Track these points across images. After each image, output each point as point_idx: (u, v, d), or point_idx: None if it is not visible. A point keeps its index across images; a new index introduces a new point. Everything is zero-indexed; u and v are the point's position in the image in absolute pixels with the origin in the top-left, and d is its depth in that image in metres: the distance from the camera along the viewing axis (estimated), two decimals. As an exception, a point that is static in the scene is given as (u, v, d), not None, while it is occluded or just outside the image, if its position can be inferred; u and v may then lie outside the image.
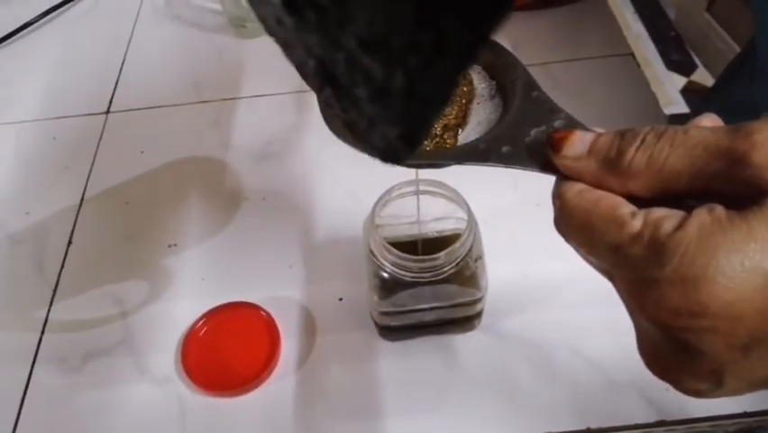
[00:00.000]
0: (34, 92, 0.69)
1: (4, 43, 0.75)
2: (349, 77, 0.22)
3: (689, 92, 0.66)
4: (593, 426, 0.42)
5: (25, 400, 0.46)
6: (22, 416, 0.46)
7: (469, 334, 0.47)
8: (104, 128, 0.64)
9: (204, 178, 0.59)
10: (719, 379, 0.21)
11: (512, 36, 0.61)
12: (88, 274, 0.53)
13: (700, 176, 0.21)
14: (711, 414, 0.41)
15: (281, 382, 0.46)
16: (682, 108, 0.62)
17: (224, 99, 0.66)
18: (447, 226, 0.45)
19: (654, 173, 0.22)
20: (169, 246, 0.54)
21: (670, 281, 0.20)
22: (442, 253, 0.39)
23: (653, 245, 0.21)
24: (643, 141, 0.22)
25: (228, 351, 0.46)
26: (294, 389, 0.45)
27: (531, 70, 0.31)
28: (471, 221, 0.40)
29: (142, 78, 0.70)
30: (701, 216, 0.20)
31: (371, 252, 0.41)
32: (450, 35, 0.20)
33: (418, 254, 0.40)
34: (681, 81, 0.67)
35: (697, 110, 0.58)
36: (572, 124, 0.27)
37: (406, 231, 0.45)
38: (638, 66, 0.59)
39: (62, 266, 0.54)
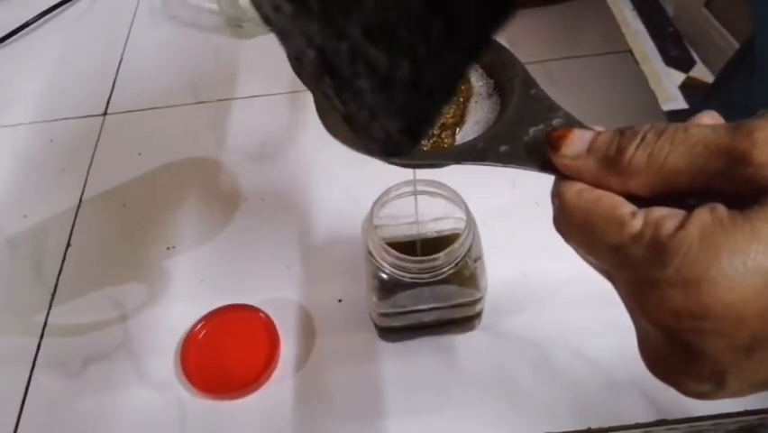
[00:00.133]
0: (31, 94, 0.69)
1: (1, 45, 0.75)
2: (351, 67, 0.22)
3: (687, 88, 0.65)
4: (594, 426, 0.42)
5: (25, 405, 0.46)
6: (21, 421, 0.46)
7: (469, 334, 0.46)
8: (101, 130, 0.64)
9: (201, 179, 0.59)
10: (721, 380, 0.21)
11: (510, 34, 0.61)
12: (87, 277, 0.53)
13: (701, 174, 0.21)
14: (712, 413, 0.41)
15: (281, 384, 0.45)
16: (681, 104, 0.62)
17: (221, 100, 0.65)
18: (446, 226, 0.45)
19: (655, 172, 0.22)
20: (168, 248, 0.54)
21: (671, 282, 0.20)
22: (441, 254, 0.39)
23: (654, 246, 0.20)
24: (643, 139, 0.22)
25: (227, 354, 0.46)
26: (294, 391, 0.45)
27: (529, 68, 0.30)
28: (470, 221, 0.40)
29: (139, 79, 0.70)
30: (703, 215, 0.20)
31: (370, 253, 0.41)
32: (462, 23, 0.19)
33: (417, 255, 0.40)
34: (679, 77, 0.67)
35: (696, 107, 0.58)
36: (571, 123, 0.26)
37: (404, 231, 0.45)
38: (636, 63, 0.58)
39: (60, 269, 0.54)
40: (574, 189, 0.24)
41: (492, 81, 0.32)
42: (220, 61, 0.70)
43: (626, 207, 0.22)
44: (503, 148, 0.27)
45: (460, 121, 0.31)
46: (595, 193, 0.23)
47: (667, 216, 0.21)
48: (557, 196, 0.24)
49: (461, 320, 0.45)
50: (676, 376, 0.22)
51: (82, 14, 0.78)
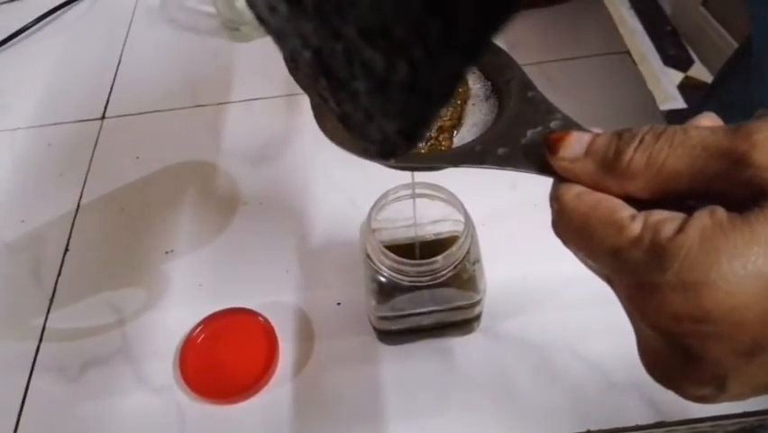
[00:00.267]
0: (29, 98, 0.69)
1: (-1, 49, 0.75)
2: (347, 68, 0.21)
3: (686, 87, 0.66)
4: (593, 428, 0.42)
5: (23, 410, 0.46)
6: (20, 426, 0.45)
7: (468, 337, 0.46)
8: (99, 134, 0.64)
9: (200, 182, 0.59)
10: (722, 384, 0.21)
11: (507, 36, 0.61)
12: (85, 282, 0.53)
13: (700, 177, 0.21)
14: (711, 414, 0.41)
15: (280, 388, 0.45)
16: (679, 104, 0.62)
17: (220, 103, 0.65)
18: (444, 229, 0.45)
19: (653, 174, 0.22)
20: (166, 252, 0.54)
21: (671, 286, 0.20)
22: (439, 257, 0.39)
23: (654, 249, 0.20)
24: (641, 141, 0.22)
25: (226, 358, 0.46)
26: (293, 395, 0.45)
27: (526, 70, 0.30)
28: (468, 224, 0.40)
29: (137, 82, 0.69)
30: (702, 218, 0.20)
31: (368, 256, 0.41)
32: (460, 25, 0.19)
33: (416, 257, 0.40)
34: (677, 77, 0.67)
35: (694, 107, 0.58)
36: (569, 125, 0.26)
37: (403, 234, 0.45)
38: (634, 64, 0.58)
39: (59, 274, 0.53)
40: (573, 193, 0.23)
41: (490, 83, 0.32)
42: (218, 64, 0.70)
43: (625, 211, 0.22)
44: (501, 151, 0.27)
45: (457, 123, 0.31)
46: (594, 196, 0.23)
47: (666, 220, 0.21)
48: (556, 199, 0.24)
49: (461, 323, 0.45)
50: (676, 380, 0.22)
51: (79, 19, 0.78)
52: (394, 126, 0.23)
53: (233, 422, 0.44)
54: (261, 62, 0.69)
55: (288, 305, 0.49)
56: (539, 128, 0.27)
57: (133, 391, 0.46)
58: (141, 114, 0.66)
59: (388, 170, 0.29)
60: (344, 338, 0.47)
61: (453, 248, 0.39)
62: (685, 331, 0.20)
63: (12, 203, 0.60)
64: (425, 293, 0.41)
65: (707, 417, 0.41)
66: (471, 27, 0.19)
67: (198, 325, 0.48)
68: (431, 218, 0.44)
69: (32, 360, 0.49)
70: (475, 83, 0.33)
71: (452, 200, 0.41)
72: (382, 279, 0.41)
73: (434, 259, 0.39)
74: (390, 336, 0.46)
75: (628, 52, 0.58)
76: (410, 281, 0.40)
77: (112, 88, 0.69)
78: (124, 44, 0.74)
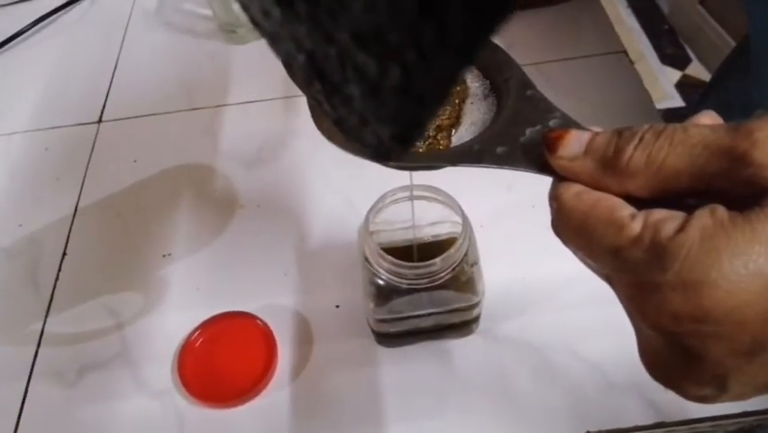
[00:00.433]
0: (26, 102, 0.69)
1: (-5, 54, 0.75)
2: (340, 72, 0.21)
3: (684, 86, 0.65)
4: (593, 429, 0.42)
5: (22, 416, 0.46)
6: (19, 431, 0.45)
7: (467, 338, 0.46)
8: (96, 138, 0.64)
9: (197, 186, 0.59)
10: (722, 384, 0.21)
11: (505, 36, 0.61)
12: (83, 286, 0.53)
13: (701, 175, 0.21)
14: (711, 414, 0.41)
15: (279, 391, 0.45)
16: (677, 102, 0.62)
17: (216, 106, 0.65)
18: (443, 230, 0.45)
19: (653, 173, 0.22)
20: (164, 256, 0.54)
21: (671, 286, 0.20)
22: (437, 260, 0.39)
23: (654, 249, 0.20)
24: (641, 139, 0.22)
25: (225, 361, 0.46)
26: (292, 398, 0.45)
27: (524, 70, 0.30)
28: (466, 226, 0.40)
29: (134, 85, 0.69)
30: (703, 217, 0.20)
31: (366, 259, 0.41)
32: (454, 28, 0.19)
33: (414, 259, 0.39)
34: (675, 75, 0.67)
35: (693, 106, 0.58)
36: (568, 123, 0.26)
37: (401, 236, 0.45)
38: (632, 63, 0.58)
39: (57, 279, 0.53)
40: (572, 192, 0.23)
41: (488, 82, 0.32)
42: (214, 67, 0.70)
43: (625, 210, 0.22)
44: (499, 149, 0.27)
45: (455, 122, 0.31)
46: (593, 195, 0.23)
47: (667, 219, 0.21)
48: (555, 198, 0.24)
49: (459, 325, 0.45)
50: (677, 380, 0.22)
51: (76, 22, 0.78)
52: (388, 130, 0.23)
53: (232, 426, 0.44)
54: (258, 65, 0.69)
55: (286, 308, 0.49)
56: (538, 127, 0.27)
57: (132, 395, 0.46)
58: (138, 117, 0.66)
59: (386, 170, 0.29)
60: (343, 341, 0.47)
61: (451, 250, 0.39)
62: (686, 331, 0.20)
63: (9, 207, 0.59)
64: (423, 296, 0.40)
65: (706, 417, 0.41)
66: (464, 31, 0.19)
67: (196, 329, 0.47)
68: (429, 220, 0.44)
69: (30, 365, 0.49)
70: (473, 81, 0.32)
71: (450, 202, 0.41)
72: (380, 281, 0.41)
73: (432, 261, 0.39)
74: (389, 338, 0.46)
75: (625, 52, 0.58)
76: (408, 284, 0.40)
77: (109, 92, 0.69)
78: (121, 48, 0.74)
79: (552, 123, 0.26)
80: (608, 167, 0.23)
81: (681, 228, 0.20)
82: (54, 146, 0.64)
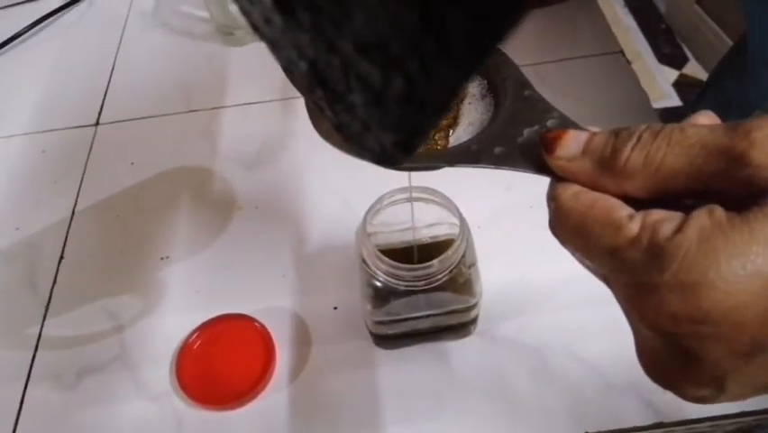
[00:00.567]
0: (23, 105, 0.69)
1: (-8, 56, 0.74)
2: (344, 81, 0.21)
3: (681, 85, 0.66)
4: (591, 429, 0.42)
5: (20, 420, 0.46)
6: (17, 435, 0.45)
7: (465, 340, 0.46)
8: (93, 140, 0.64)
9: (195, 188, 0.59)
10: (721, 385, 0.21)
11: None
12: (81, 289, 0.53)
13: (699, 175, 0.21)
14: (709, 414, 0.41)
15: (277, 393, 0.45)
16: (674, 102, 0.62)
17: (214, 108, 0.65)
18: (440, 232, 0.45)
19: (651, 173, 0.21)
20: (162, 259, 0.54)
21: (669, 287, 0.20)
22: (435, 261, 0.39)
23: (652, 250, 0.20)
24: (639, 139, 0.22)
25: (223, 364, 0.46)
26: (290, 400, 0.45)
27: (521, 71, 0.30)
28: (464, 228, 0.40)
29: (131, 88, 0.69)
30: (701, 218, 0.20)
31: (364, 261, 0.41)
32: (456, 40, 0.19)
33: (413, 261, 0.39)
34: (672, 74, 0.67)
35: (690, 106, 0.58)
36: (566, 124, 0.26)
37: (399, 238, 0.45)
38: (629, 63, 0.58)
39: (54, 282, 0.53)
40: (570, 192, 0.23)
41: (486, 82, 0.32)
42: (212, 69, 0.70)
43: (623, 210, 0.22)
44: (497, 150, 0.26)
45: (453, 123, 0.31)
46: (591, 195, 0.23)
47: (664, 219, 0.20)
48: (553, 199, 0.24)
49: (457, 326, 0.45)
50: (675, 381, 0.22)
51: (73, 25, 0.78)
52: (391, 138, 0.23)
53: (231, 428, 0.44)
54: (256, 66, 0.69)
55: (284, 310, 0.49)
56: (536, 127, 0.26)
57: (130, 398, 0.46)
58: (135, 119, 0.65)
59: (384, 172, 0.29)
60: (341, 343, 0.47)
61: (449, 252, 0.39)
62: (684, 332, 0.20)
63: (6, 210, 0.59)
64: (420, 297, 0.40)
65: (704, 417, 0.41)
66: (467, 42, 0.19)
67: (195, 331, 0.47)
68: (426, 222, 0.44)
69: (27, 369, 0.48)
70: (471, 81, 0.32)
71: (447, 204, 0.41)
72: (378, 283, 0.41)
73: (429, 263, 0.39)
74: (387, 340, 0.46)
75: (622, 52, 0.58)
76: (406, 286, 0.40)
77: (106, 94, 0.69)
78: (118, 50, 0.74)
79: (549, 123, 0.26)
80: (605, 167, 0.23)
81: (679, 229, 0.20)
82: (51, 149, 0.64)
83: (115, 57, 0.73)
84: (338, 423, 0.44)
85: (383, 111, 0.22)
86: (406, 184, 0.41)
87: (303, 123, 0.62)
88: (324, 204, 0.56)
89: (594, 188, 0.23)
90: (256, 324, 0.47)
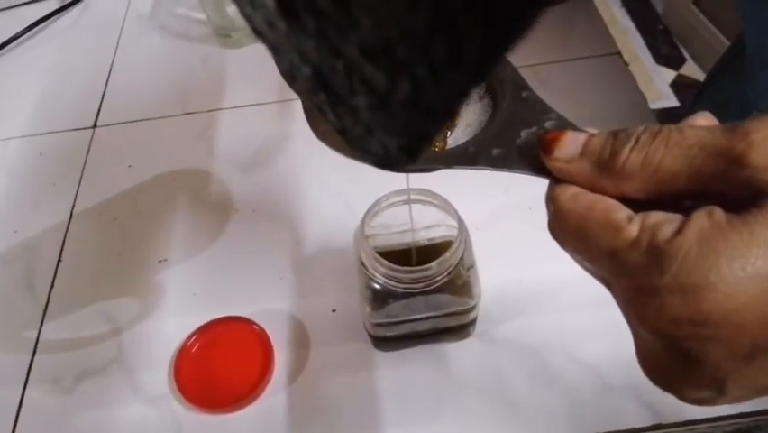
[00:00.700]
0: (20, 108, 0.69)
1: (-11, 59, 0.74)
2: (348, 84, 0.21)
3: (678, 85, 0.66)
4: (590, 431, 0.42)
5: (18, 423, 0.46)
6: (15, 439, 0.45)
7: (463, 342, 0.46)
8: (91, 143, 0.64)
9: (192, 190, 0.58)
10: (721, 387, 0.21)
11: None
12: (79, 292, 0.53)
13: (697, 177, 0.21)
14: (708, 416, 0.41)
15: (276, 396, 0.45)
16: (672, 102, 0.62)
17: (211, 110, 0.65)
18: (439, 234, 0.45)
19: (650, 174, 0.21)
20: (160, 261, 0.53)
21: (669, 289, 0.20)
22: (433, 263, 0.39)
23: (652, 252, 0.20)
24: (637, 141, 0.22)
25: (221, 367, 0.46)
26: (289, 403, 0.45)
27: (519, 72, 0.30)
28: (462, 230, 0.40)
29: (129, 90, 0.69)
30: (700, 220, 0.20)
31: (362, 263, 0.41)
32: (470, 46, 0.18)
33: (412, 263, 0.39)
34: (669, 75, 0.67)
35: (687, 106, 0.58)
36: (564, 125, 0.26)
37: (397, 240, 0.45)
38: (626, 64, 0.58)
39: (52, 285, 0.53)
40: (569, 194, 0.23)
41: (483, 83, 0.32)
42: (209, 71, 0.70)
43: (622, 212, 0.22)
44: (495, 151, 0.26)
45: (451, 124, 0.31)
46: (590, 197, 0.23)
47: (664, 221, 0.20)
48: (551, 200, 0.24)
49: (456, 328, 0.45)
50: (675, 384, 0.22)
51: (70, 27, 0.78)
52: (396, 143, 0.22)
53: (229, 432, 0.44)
54: (253, 68, 0.68)
55: (282, 312, 0.49)
56: (534, 128, 0.26)
57: (128, 401, 0.46)
58: (132, 122, 0.65)
59: (383, 174, 0.29)
60: (340, 345, 0.47)
61: (447, 254, 0.39)
62: (684, 334, 0.20)
63: (4, 213, 0.59)
64: (419, 299, 0.40)
65: (703, 418, 0.41)
66: (478, 48, 0.18)
67: (193, 334, 0.47)
68: (424, 224, 0.44)
69: (26, 372, 0.48)
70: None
71: (446, 206, 0.41)
72: (376, 286, 0.41)
73: (428, 265, 0.39)
74: (386, 342, 0.45)
75: (619, 53, 0.58)
76: (404, 288, 0.40)
77: (103, 97, 0.69)
78: (115, 52, 0.74)
79: (547, 124, 0.26)
80: (604, 169, 0.22)
81: (679, 231, 0.20)
82: (49, 151, 0.64)
83: (113, 59, 0.73)
84: (337, 425, 0.44)
85: (388, 115, 0.21)
86: (404, 186, 0.41)
87: (300, 125, 0.62)
88: (322, 206, 0.55)
89: (592, 189, 0.23)
90: (254, 326, 0.47)
